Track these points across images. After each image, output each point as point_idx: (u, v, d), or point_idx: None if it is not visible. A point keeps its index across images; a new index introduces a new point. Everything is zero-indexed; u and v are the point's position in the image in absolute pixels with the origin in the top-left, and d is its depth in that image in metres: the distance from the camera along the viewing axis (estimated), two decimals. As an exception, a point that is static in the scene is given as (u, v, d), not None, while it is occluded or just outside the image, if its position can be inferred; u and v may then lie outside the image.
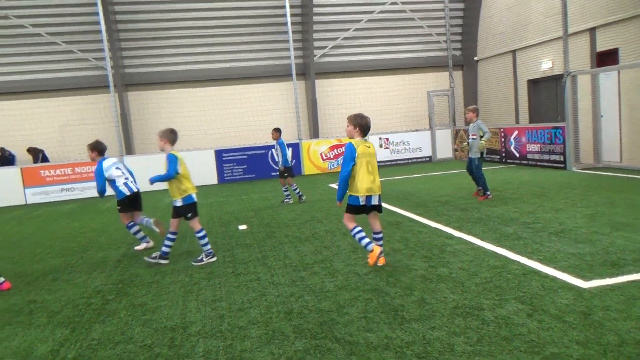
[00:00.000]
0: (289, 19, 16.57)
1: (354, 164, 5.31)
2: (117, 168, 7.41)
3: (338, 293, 4.79)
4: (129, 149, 16.98)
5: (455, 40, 19.96)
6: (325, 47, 18.70)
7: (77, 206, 13.49)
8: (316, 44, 18.50)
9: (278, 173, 10.80)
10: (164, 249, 6.35)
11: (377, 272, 5.32)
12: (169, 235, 6.34)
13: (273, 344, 3.78)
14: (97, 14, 15.70)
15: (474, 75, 19.77)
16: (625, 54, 12.58)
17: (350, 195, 5.47)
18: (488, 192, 9.39)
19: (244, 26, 18.05)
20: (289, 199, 10.84)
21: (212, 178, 16.17)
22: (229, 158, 16.27)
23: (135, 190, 7.42)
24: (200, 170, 15.98)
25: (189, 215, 6.22)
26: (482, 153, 9.55)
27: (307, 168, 16.85)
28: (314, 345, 3.70)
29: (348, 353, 3.54)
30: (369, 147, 5.46)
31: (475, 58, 19.49)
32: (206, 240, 6.34)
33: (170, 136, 6.54)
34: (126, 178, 7.47)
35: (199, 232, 6.28)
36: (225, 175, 16.28)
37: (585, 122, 13.56)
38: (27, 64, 16.71)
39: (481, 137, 9.39)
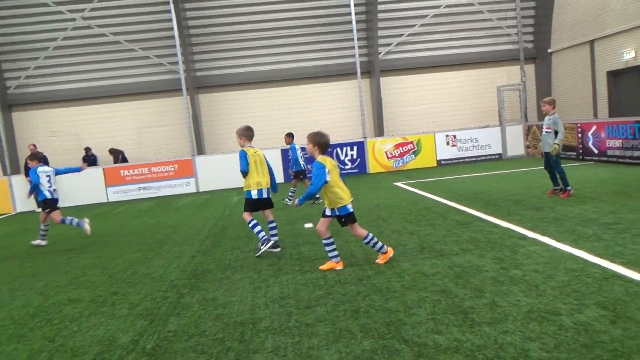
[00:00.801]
0: (353, 18, 16.57)
1: (328, 181, 5.55)
2: (47, 176, 8.93)
3: (405, 293, 4.74)
4: (200, 149, 17.67)
5: (527, 32, 19.10)
6: (390, 44, 18.51)
7: (154, 204, 14.21)
8: (381, 41, 18.36)
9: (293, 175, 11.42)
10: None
11: (446, 273, 5.21)
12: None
13: (340, 343, 3.80)
14: (170, 20, 16.48)
15: (547, 68, 18.83)
16: None
17: (340, 207, 5.65)
18: (569, 188, 8.96)
19: (309, 26, 18.25)
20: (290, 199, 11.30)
21: (278, 177, 16.45)
22: (294, 157, 16.47)
23: (56, 197, 9.04)
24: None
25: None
26: (558, 146, 8.97)
27: (372, 167, 16.77)
28: (381, 345, 3.69)
29: (416, 355, 3.50)
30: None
31: (549, 50, 18.55)
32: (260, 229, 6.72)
33: (246, 133, 6.91)
34: (50, 186, 8.97)
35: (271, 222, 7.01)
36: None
37: (675, 115, 12.54)
38: (107, 70, 17.83)
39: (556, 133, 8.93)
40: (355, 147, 16.65)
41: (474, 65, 19.04)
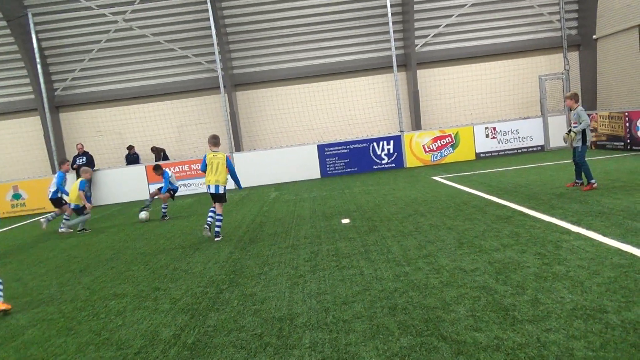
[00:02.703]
0: (389, 10, 16.39)
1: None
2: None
3: (443, 289, 4.67)
4: (238, 146, 17.92)
5: (570, 18, 18.38)
6: (427, 35, 18.21)
7: (194, 200, 14.52)
8: (417, 33, 18.08)
9: None
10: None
11: (486, 269, 5.10)
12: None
13: (378, 339, 3.79)
14: (208, 19, 16.76)
15: (592, 55, 18.09)
16: None
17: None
18: (593, 181, 8.84)
19: (344, 20, 18.16)
20: None
21: (315, 172, 16.53)
22: (331, 152, 16.52)
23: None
24: (304, 164, 16.44)
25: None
26: (585, 140, 9.00)
27: (410, 161, 16.58)
28: (419, 343, 3.65)
29: (455, 352, 3.45)
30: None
31: (594, 36, 17.80)
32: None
33: (212, 140, 8.39)
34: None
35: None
36: (328, 169, 16.56)
37: None
38: (148, 70, 18.30)
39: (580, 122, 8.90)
40: (392, 142, 16.50)
41: (514, 54, 18.49)
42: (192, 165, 16.35)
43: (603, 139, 15.11)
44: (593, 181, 8.85)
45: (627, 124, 13.96)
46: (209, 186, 8.20)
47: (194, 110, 18.51)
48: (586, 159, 9.05)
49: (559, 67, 18.15)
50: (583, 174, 9.05)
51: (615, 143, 14.47)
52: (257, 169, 16.25)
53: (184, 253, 7.58)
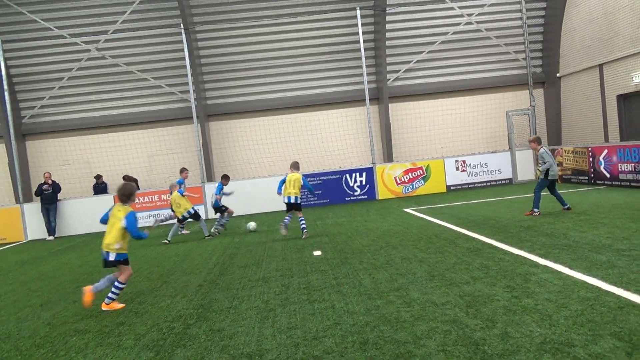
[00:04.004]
0: (362, 45, 16.78)
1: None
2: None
3: (415, 323, 4.64)
4: (210, 176, 17.77)
5: (535, 57, 19.18)
6: (399, 70, 18.67)
7: (163, 231, 14.21)
8: (389, 67, 18.53)
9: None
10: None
11: (456, 302, 5.11)
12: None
13: (348, 375, 3.71)
14: (182, 50, 16.82)
15: (556, 92, 18.82)
16: None
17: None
18: (536, 210, 9.91)
19: (318, 54, 18.50)
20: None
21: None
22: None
23: None
24: (276, 196, 16.33)
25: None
26: (546, 175, 10.04)
27: (382, 192, 16.71)
28: (390, 379, 3.59)
29: (426, 388, 3.40)
30: (119, 210, 6.33)
31: (558, 74, 18.57)
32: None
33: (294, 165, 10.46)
34: None
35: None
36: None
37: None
38: (120, 99, 18.17)
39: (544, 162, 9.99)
40: (364, 173, 16.64)
41: (483, 90, 19.10)
42: (162, 196, 16.09)
43: (568, 173, 15.57)
44: (536, 211, 9.89)
45: (591, 159, 14.46)
46: (288, 197, 10.21)
47: (166, 140, 18.36)
48: (558, 191, 10.10)
49: (525, 103, 18.79)
50: (533, 200, 10.07)
51: (579, 177, 14.93)
52: (230, 199, 16.05)
53: (151, 286, 7.37)
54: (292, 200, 10.23)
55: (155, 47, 17.84)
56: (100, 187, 17.19)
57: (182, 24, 16.56)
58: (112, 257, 6.22)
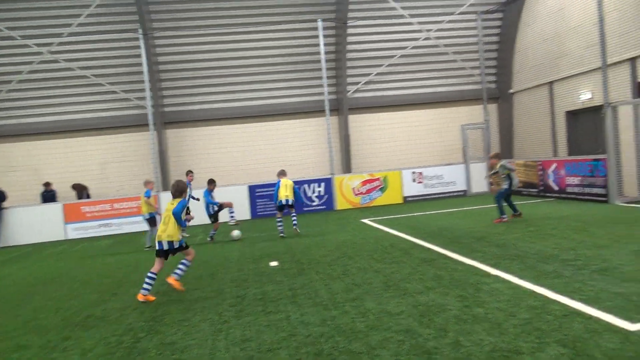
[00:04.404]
0: (322, 57, 16.89)
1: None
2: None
3: (369, 334, 4.66)
4: (166, 185, 17.38)
5: (489, 73, 19.83)
6: (359, 82, 18.90)
7: (114, 241, 13.79)
8: (349, 79, 18.74)
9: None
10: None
11: (410, 312, 5.16)
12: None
13: (301, 388, 3.68)
14: (139, 55, 16.46)
15: (509, 108, 19.50)
16: (668, 83, 12.18)
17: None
18: (504, 216, 10.59)
19: (279, 64, 18.50)
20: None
21: (245, 213, 16.30)
22: (262, 193, 16.41)
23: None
24: (233, 205, 16.13)
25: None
26: (510, 184, 10.72)
27: (340, 203, 16.79)
28: (342, 390, 3.58)
29: (378, 399, 3.40)
30: (172, 204, 6.88)
31: (511, 90, 19.26)
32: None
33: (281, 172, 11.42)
34: None
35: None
36: (258, 210, 16.40)
37: (628, 154, 13.05)
38: (72, 104, 17.56)
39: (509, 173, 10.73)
40: (322, 184, 16.69)
41: (440, 104, 19.57)
42: (114, 205, 15.60)
43: (520, 186, 16.07)
44: (505, 217, 10.59)
45: (541, 172, 15.02)
46: (286, 199, 11.35)
47: (120, 148, 17.86)
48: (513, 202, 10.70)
49: (479, 118, 19.36)
50: (497, 208, 10.67)
51: (530, 189, 15.47)
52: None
53: (100, 298, 7.10)
54: (289, 202, 11.44)
55: (111, 52, 17.39)
56: (48, 195, 16.51)
57: (140, 29, 16.23)
58: (176, 245, 6.78)
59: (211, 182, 12.24)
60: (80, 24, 16.55)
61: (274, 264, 8.42)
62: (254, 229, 13.50)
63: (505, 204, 10.91)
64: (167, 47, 17.72)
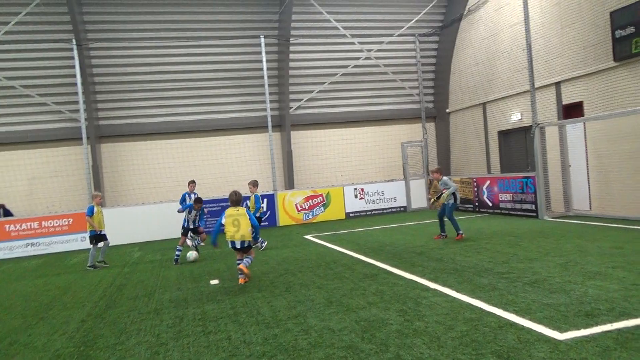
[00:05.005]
0: (265, 72, 16.89)
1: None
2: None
3: (312, 351, 4.61)
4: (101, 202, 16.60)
5: (427, 93, 20.56)
6: (301, 99, 19.03)
7: (43, 262, 12.98)
8: (292, 96, 18.82)
9: None
10: None
11: (352, 328, 5.17)
12: None
13: (241, 410, 3.57)
14: (73, 67, 15.77)
15: (446, 126, 20.27)
16: (589, 106, 13.10)
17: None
18: (461, 232, 10.47)
19: (222, 79, 18.30)
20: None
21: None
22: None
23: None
24: (174, 222, 15.68)
25: None
26: (456, 199, 10.71)
27: (282, 219, 16.71)
28: (284, 410, 3.50)
29: (320, 418, 3.35)
30: (237, 210, 7.94)
31: (447, 110, 20.04)
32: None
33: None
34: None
35: None
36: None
37: (555, 171, 13.89)
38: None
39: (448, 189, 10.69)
40: (265, 200, 16.55)
41: (380, 122, 20.04)
42: (42, 222, 14.72)
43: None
44: (461, 232, 10.44)
45: (476, 189, 15.65)
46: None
47: (51, 162, 16.91)
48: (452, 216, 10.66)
49: (419, 135, 19.99)
50: (451, 226, 10.62)
51: (466, 205, 16.07)
52: (121, 226, 15.09)
53: (25, 323, 6.63)
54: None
55: (42, 62, 16.53)
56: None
57: (74, 40, 15.58)
58: (247, 244, 7.81)
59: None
60: (7, 32, 15.67)
61: (214, 282, 8.21)
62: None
63: (441, 221, 10.86)
64: (104, 59, 17.10)
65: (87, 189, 15.65)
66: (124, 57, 17.25)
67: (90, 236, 10.89)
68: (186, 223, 10.86)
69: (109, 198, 17.32)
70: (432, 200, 11.69)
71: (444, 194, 10.64)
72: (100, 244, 10.98)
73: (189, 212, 10.79)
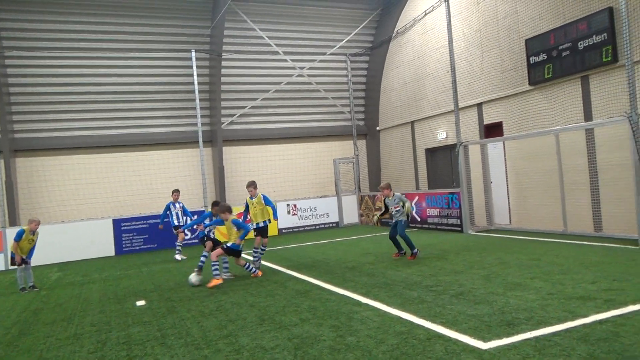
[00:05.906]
0: (196, 87, 16.56)
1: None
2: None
3: (243, 371, 4.50)
4: (13, 220, 15.47)
5: (358, 111, 21.05)
6: (233, 115, 18.84)
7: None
8: (224, 112, 18.60)
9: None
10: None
11: (285, 346, 5.10)
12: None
13: None
14: (-15, 75, 14.70)
15: (376, 144, 20.81)
16: (508, 126, 13.95)
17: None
18: (415, 250, 9.97)
19: (151, 93, 17.75)
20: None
21: (109, 249, 15.09)
22: (128, 227, 15.37)
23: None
24: (96, 240, 14.91)
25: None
26: (407, 216, 10.41)
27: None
28: None
29: None
30: (227, 220, 9.05)
31: (378, 128, 20.61)
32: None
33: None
34: None
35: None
36: (124, 246, 15.29)
37: (478, 187, 14.63)
38: None
39: (403, 205, 10.37)
40: (195, 217, 16.09)
41: (313, 138, 20.22)
42: (-51, 243, 13.45)
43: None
44: (416, 250, 9.96)
45: (404, 204, 16.10)
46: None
47: (-42, 177, 15.58)
48: (373, 235, 10.14)
49: (350, 152, 20.36)
50: (404, 243, 10.15)
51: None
52: (38, 246, 14.08)
53: None
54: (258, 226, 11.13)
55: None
56: None
57: (-13, 47, 14.57)
58: (240, 247, 9.14)
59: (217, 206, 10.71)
60: None
61: (140, 303, 7.85)
62: (118, 266, 12.53)
63: (395, 240, 10.41)
64: (20, 69, 16.07)
65: (0, 206, 14.53)
66: (44, 67, 16.30)
67: (11, 257, 10.11)
68: (204, 233, 10.55)
69: (23, 216, 16.13)
70: (376, 216, 11.60)
71: (405, 206, 10.22)
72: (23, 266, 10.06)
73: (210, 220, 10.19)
